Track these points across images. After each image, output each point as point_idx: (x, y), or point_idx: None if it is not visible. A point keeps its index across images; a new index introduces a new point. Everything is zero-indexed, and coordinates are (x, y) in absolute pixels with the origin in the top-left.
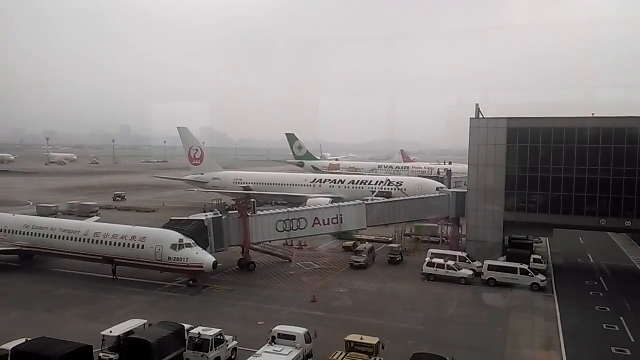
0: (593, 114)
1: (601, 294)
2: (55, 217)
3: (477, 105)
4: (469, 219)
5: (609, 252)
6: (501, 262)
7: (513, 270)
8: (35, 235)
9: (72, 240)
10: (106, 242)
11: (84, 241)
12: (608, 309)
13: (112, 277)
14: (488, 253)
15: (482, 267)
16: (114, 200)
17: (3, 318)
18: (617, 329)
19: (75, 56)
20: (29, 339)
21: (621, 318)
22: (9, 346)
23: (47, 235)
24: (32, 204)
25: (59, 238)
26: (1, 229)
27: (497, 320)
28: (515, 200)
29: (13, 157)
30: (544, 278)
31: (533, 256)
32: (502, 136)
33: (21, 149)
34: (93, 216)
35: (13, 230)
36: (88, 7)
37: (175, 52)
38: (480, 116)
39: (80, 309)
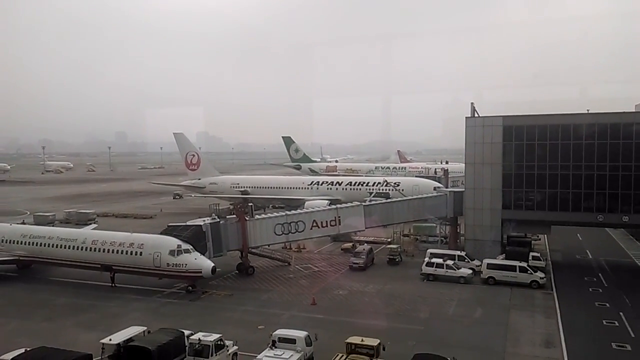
0: (588, 110)
1: (600, 290)
2: (53, 226)
3: (472, 104)
4: (466, 218)
5: (607, 248)
6: (500, 261)
7: (512, 268)
8: (33, 245)
9: (69, 248)
10: (104, 249)
11: (82, 249)
12: (607, 304)
13: (110, 284)
14: (487, 251)
15: (481, 265)
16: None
17: (2, 328)
18: (617, 324)
19: (69, 64)
20: (29, 349)
21: (621, 313)
22: (9, 356)
23: (45, 244)
24: (29, 213)
25: (57, 247)
26: None
27: (497, 318)
28: (512, 198)
29: (9, 167)
30: (543, 275)
31: (532, 254)
32: (498, 134)
33: (17, 158)
34: (90, 224)
35: (10, 240)
36: (83, 15)
37: (169, 58)
38: (476, 115)
39: (79, 318)
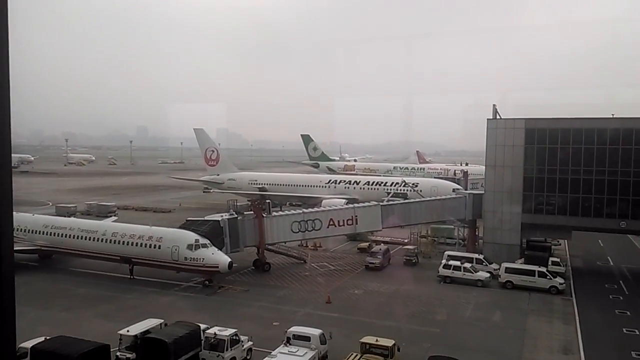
0: (613, 114)
1: (621, 298)
2: (74, 217)
3: (494, 105)
4: (485, 221)
5: (629, 255)
6: (519, 265)
7: (531, 273)
8: (54, 235)
9: (90, 240)
10: (123, 242)
11: (102, 241)
12: (628, 312)
13: (129, 276)
14: (505, 255)
15: (499, 269)
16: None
17: (23, 316)
18: (638, 332)
19: (92, 58)
20: (48, 338)
21: None
22: (29, 344)
23: (66, 235)
24: (51, 204)
25: (78, 238)
26: (21, 229)
27: (515, 323)
28: (533, 202)
29: (33, 158)
30: (562, 281)
31: (551, 259)
32: (520, 137)
33: (40, 150)
34: (111, 216)
35: (32, 230)
36: (106, 9)
37: (192, 54)
38: (498, 117)
39: (98, 308)
